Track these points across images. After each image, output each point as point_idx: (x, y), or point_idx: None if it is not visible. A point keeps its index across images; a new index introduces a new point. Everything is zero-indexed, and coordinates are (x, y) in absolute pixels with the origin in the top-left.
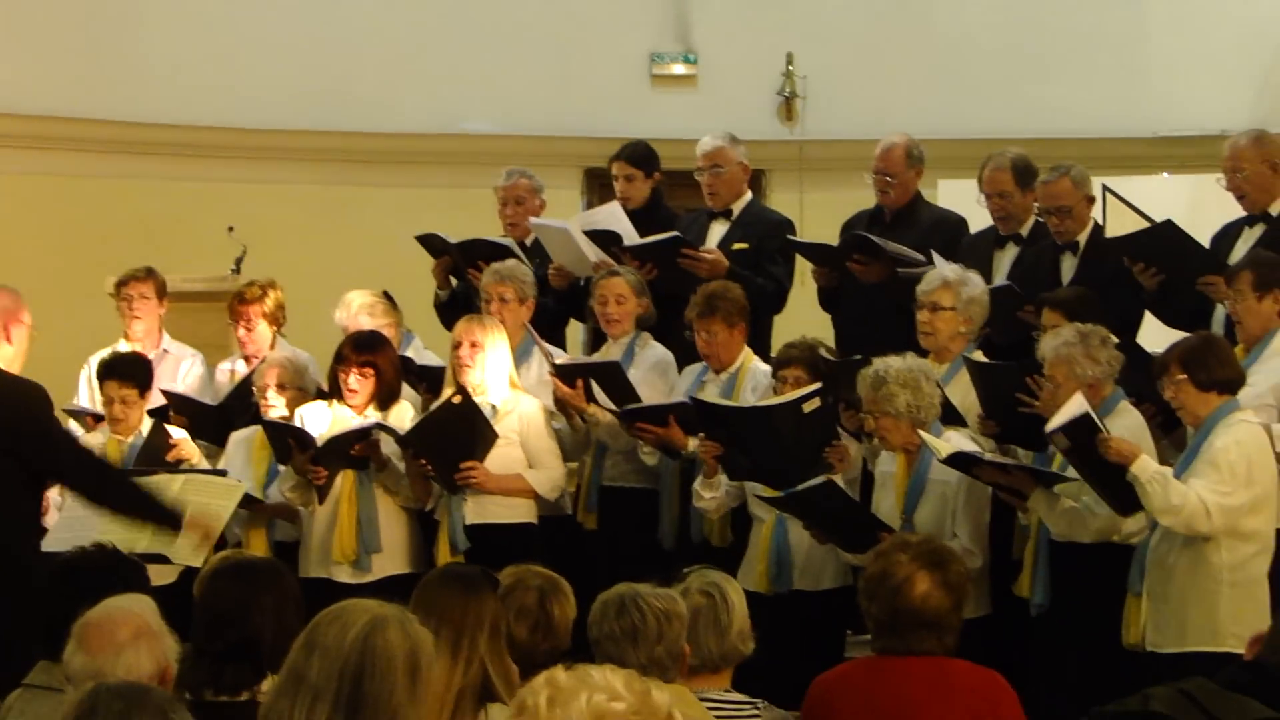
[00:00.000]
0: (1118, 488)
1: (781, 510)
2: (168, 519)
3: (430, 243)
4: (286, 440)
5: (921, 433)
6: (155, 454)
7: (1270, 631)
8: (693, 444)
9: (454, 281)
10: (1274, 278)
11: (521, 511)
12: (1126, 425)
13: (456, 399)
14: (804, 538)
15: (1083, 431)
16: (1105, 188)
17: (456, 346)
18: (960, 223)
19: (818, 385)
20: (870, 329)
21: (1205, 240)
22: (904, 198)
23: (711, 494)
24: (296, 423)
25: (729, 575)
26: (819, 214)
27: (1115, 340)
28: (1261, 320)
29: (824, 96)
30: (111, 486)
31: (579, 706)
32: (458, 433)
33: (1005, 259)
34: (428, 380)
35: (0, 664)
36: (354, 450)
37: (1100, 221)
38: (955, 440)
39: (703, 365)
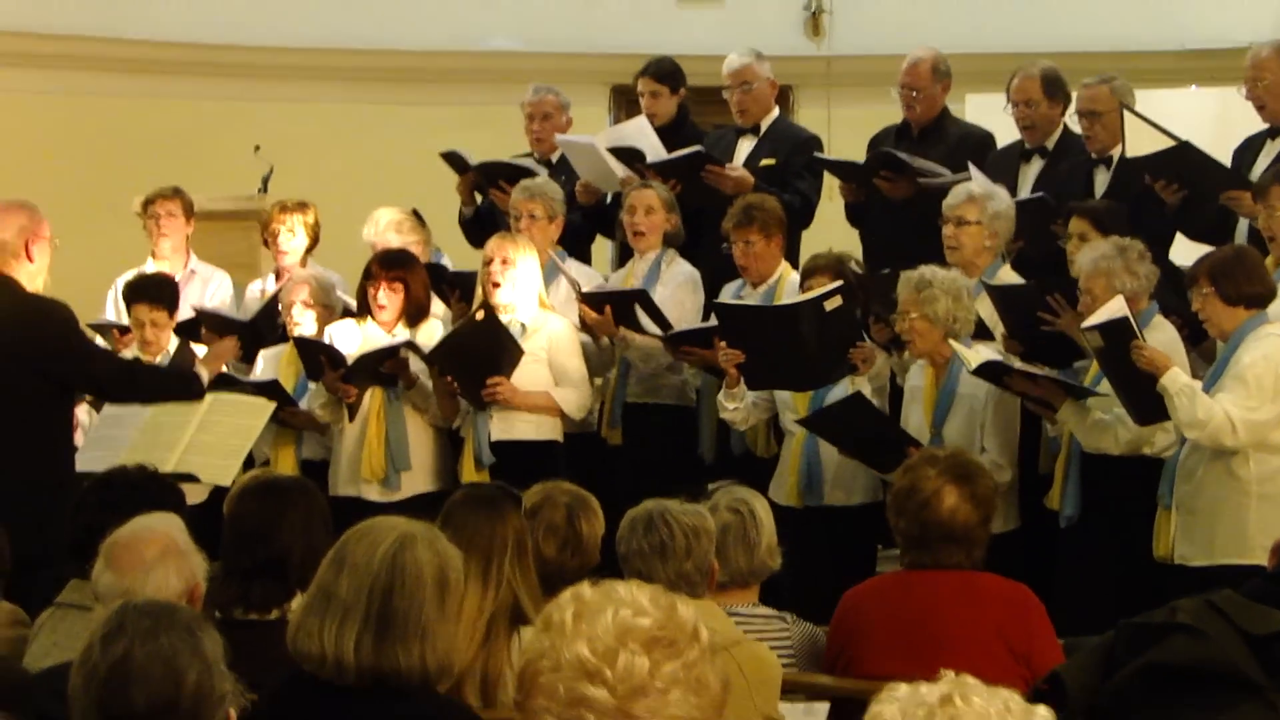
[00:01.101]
0: (1141, 396)
1: (810, 430)
2: (194, 389)
3: (454, 160)
4: (318, 357)
5: (953, 342)
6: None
7: None
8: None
9: (478, 198)
10: None
11: (547, 429)
12: (1160, 340)
13: (480, 315)
14: (834, 451)
15: (1118, 334)
16: (1124, 106)
17: (488, 263)
18: (987, 137)
19: (839, 283)
20: (897, 244)
21: (1229, 153)
22: (931, 112)
23: (735, 404)
24: (325, 340)
25: (756, 491)
26: (846, 130)
27: (1150, 256)
28: None
29: (851, 11)
30: (144, 380)
31: (604, 622)
32: (483, 349)
33: (1031, 172)
34: (461, 288)
35: (35, 581)
36: (383, 368)
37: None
38: (984, 353)
39: (739, 281)
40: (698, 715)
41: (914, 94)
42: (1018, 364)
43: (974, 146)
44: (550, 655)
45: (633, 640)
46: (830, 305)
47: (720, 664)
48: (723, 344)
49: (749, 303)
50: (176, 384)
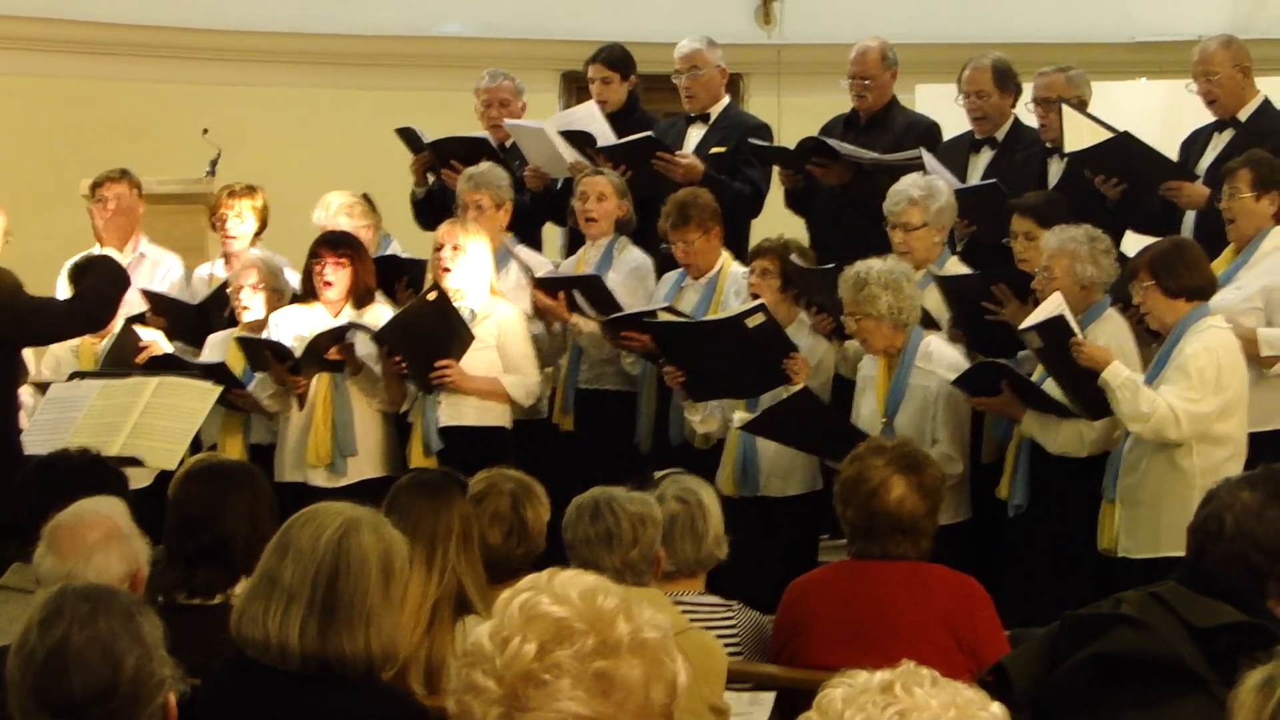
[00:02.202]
0: (1086, 392)
1: (755, 434)
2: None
3: (409, 137)
4: (263, 353)
5: (922, 346)
6: (125, 356)
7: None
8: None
9: (430, 179)
10: (1274, 178)
11: (495, 415)
12: (1110, 331)
13: (431, 295)
14: (771, 443)
15: (1056, 333)
16: (1062, 100)
17: (438, 248)
18: (933, 126)
19: (759, 302)
20: (841, 230)
21: (1178, 145)
22: (880, 101)
23: (698, 416)
24: (271, 327)
25: (704, 480)
26: (797, 118)
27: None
28: (1256, 220)
29: (802, 0)
30: (94, 307)
31: (512, 608)
32: (433, 330)
33: (980, 163)
34: (410, 274)
35: None
36: (329, 354)
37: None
38: (935, 344)
39: (678, 272)
40: (606, 713)
41: (864, 83)
42: (1005, 361)
43: (920, 135)
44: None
45: (534, 628)
46: (752, 322)
47: (660, 668)
48: (663, 360)
49: (695, 299)
50: (110, 287)
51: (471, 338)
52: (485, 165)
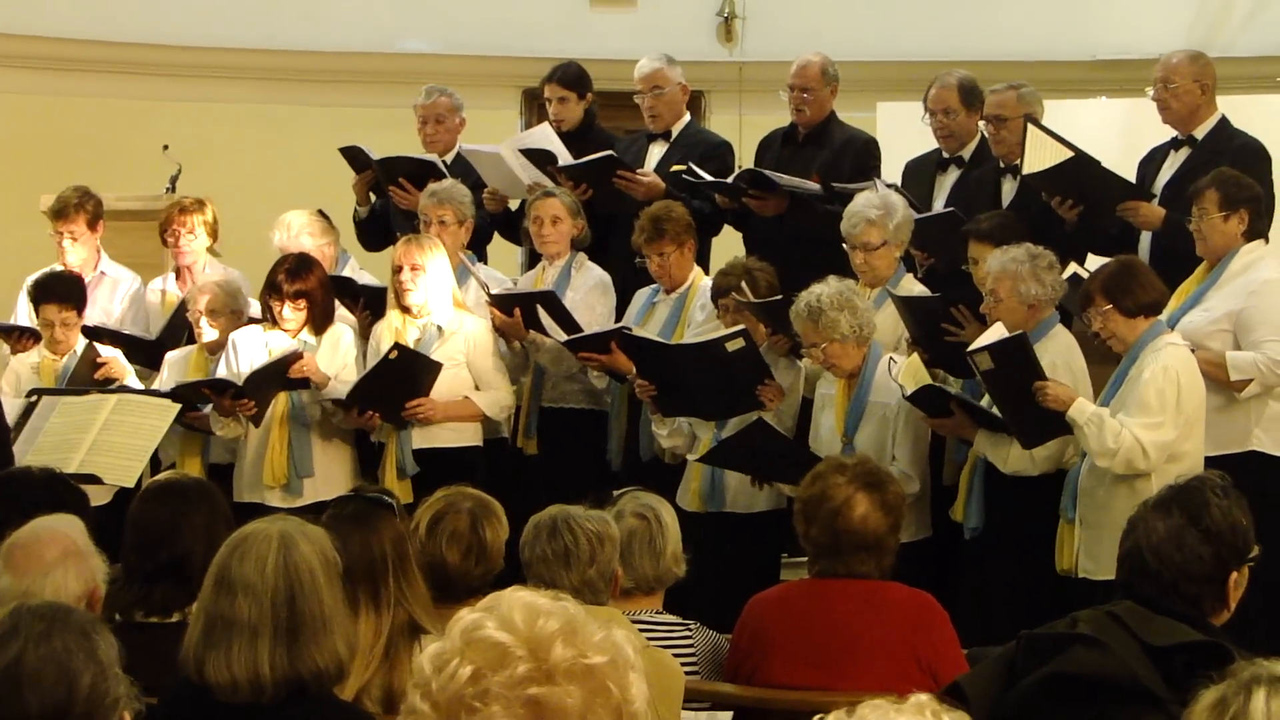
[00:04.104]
0: (1027, 419)
1: (712, 465)
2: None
3: (354, 156)
4: (200, 391)
5: (894, 372)
6: (87, 374)
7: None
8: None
9: (373, 198)
10: (1240, 197)
11: (467, 435)
12: (1057, 349)
13: (393, 355)
14: None
15: (1009, 355)
16: (1027, 118)
17: (397, 270)
18: (870, 142)
19: (740, 327)
20: (778, 249)
21: (1129, 165)
22: (819, 115)
23: (666, 431)
24: (229, 347)
25: (662, 498)
26: (758, 136)
27: (1060, 268)
28: (1225, 239)
29: (763, 18)
30: None
31: (454, 631)
32: (401, 379)
33: (947, 182)
34: (369, 301)
35: None
36: (291, 373)
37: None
38: (900, 361)
39: (653, 288)
40: None
41: (804, 95)
42: (951, 381)
43: (858, 151)
44: None
45: (472, 651)
46: (732, 346)
47: (603, 695)
48: (635, 372)
49: (666, 314)
50: None
51: (439, 366)
52: (449, 182)
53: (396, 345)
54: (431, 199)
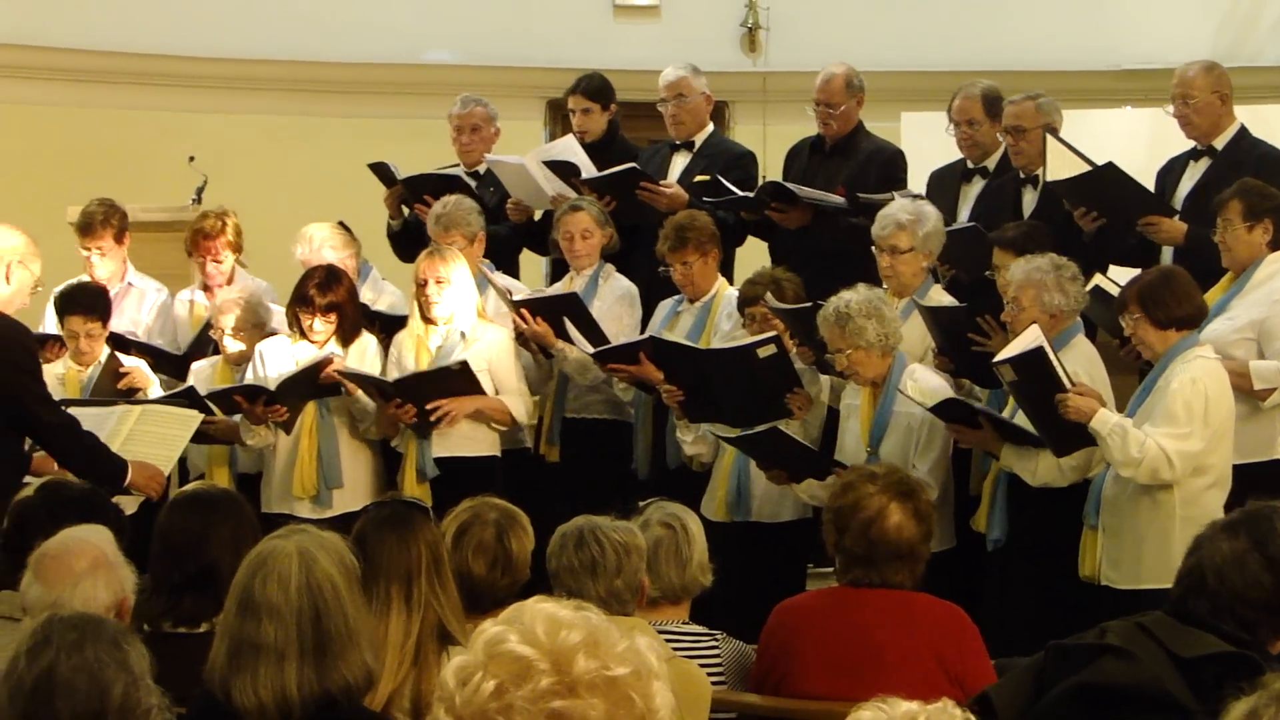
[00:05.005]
0: (1057, 428)
1: (737, 448)
2: (118, 479)
3: (381, 172)
4: (232, 399)
5: (906, 389)
6: (109, 385)
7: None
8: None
9: (405, 210)
10: (1264, 207)
11: (486, 444)
12: (1077, 359)
13: (457, 367)
14: None
15: (1032, 367)
16: (1047, 129)
17: (421, 285)
18: (897, 154)
19: (773, 333)
20: (801, 258)
21: (1154, 174)
22: (846, 128)
23: (690, 437)
24: (256, 359)
25: (688, 507)
26: (782, 146)
27: (1083, 279)
28: (1250, 250)
29: (787, 28)
30: (82, 443)
31: (478, 643)
32: (442, 390)
33: (972, 192)
34: (384, 325)
35: None
36: (322, 378)
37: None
38: (920, 373)
39: (676, 298)
40: None
41: (829, 110)
42: (976, 403)
43: (884, 163)
44: None
45: (495, 665)
46: (764, 353)
47: (627, 706)
48: (663, 380)
49: (690, 323)
50: (105, 465)
51: (481, 390)
52: (451, 202)
53: (464, 363)
54: (437, 226)
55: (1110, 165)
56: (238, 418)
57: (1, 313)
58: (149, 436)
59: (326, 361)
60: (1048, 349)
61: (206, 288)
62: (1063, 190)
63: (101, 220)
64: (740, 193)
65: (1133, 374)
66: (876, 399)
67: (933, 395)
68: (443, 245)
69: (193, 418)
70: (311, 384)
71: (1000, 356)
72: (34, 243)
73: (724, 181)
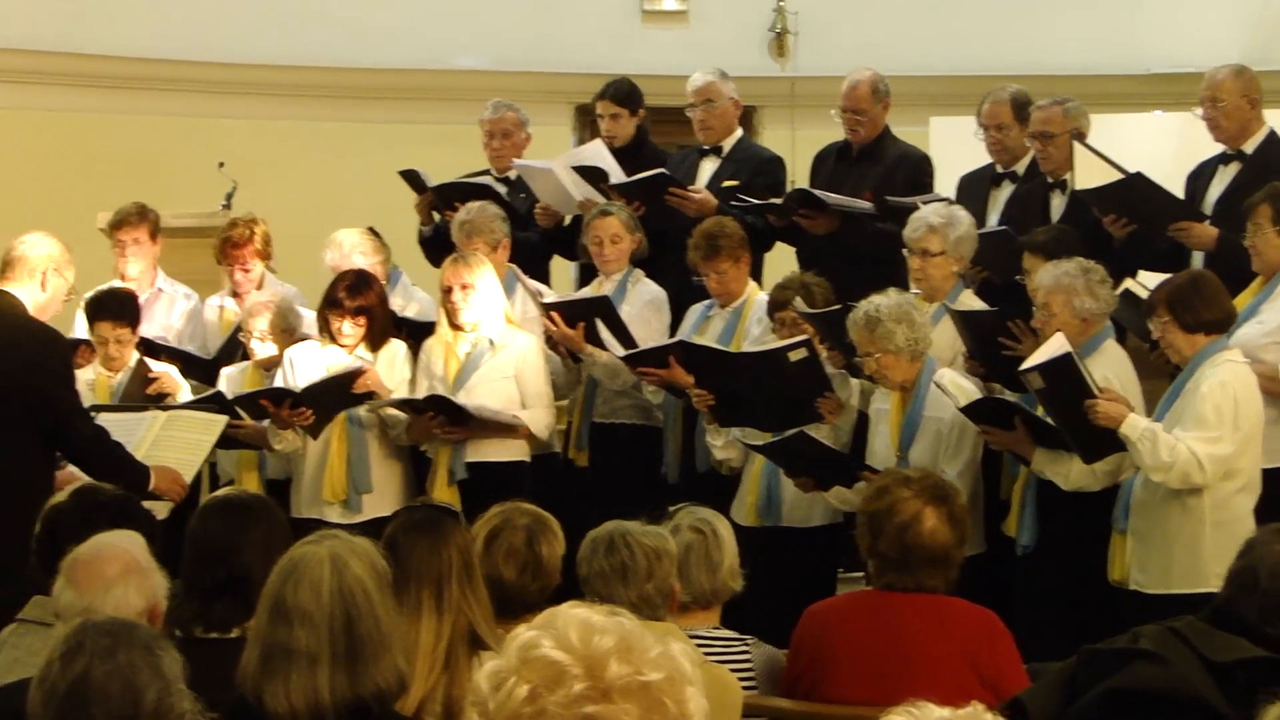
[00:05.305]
0: (1086, 434)
1: (763, 455)
2: (137, 490)
3: (412, 179)
4: (258, 403)
5: (943, 382)
6: (138, 391)
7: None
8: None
9: (436, 217)
10: None
11: (514, 450)
12: (1108, 363)
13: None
14: None
15: (1059, 374)
16: (1074, 136)
17: (447, 291)
18: (924, 159)
19: (804, 337)
20: (829, 261)
21: (1183, 178)
22: (873, 133)
23: (720, 441)
24: (286, 364)
25: (718, 512)
26: (810, 151)
27: (1111, 282)
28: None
29: (815, 33)
30: (108, 453)
31: (511, 647)
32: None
33: (1001, 197)
34: (412, 332)
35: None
36: (355, 388)
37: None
38: (949, 377)
39: (707, 303)
40: None
41: (856, 117)
42: (1009, 396)
43: (911, 168)
44: None
45: (528, 670)
46: (795, 356)
47: (660, 711)
48: (693, 384)
49: (720, 328)
50: (130, 473)
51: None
52: (475, 209)
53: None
54: (461, 232)
55: (1139, 175)
56: (266, 423)
57: (39, 321)
58: (175, 441)
59: (357, 373)
60: (1074, 355)
61: (236, 294)
62: (1091, 198)
63: (137, 215)
64: (767, 201)
65: (1164, 378)
66: (906, 404)
67: (967, 395)
68: (468, 252)
69: (218, 422)
70: (343, 394)
71: (1027, 364)
72: (68, 250)
73: (746, 198)
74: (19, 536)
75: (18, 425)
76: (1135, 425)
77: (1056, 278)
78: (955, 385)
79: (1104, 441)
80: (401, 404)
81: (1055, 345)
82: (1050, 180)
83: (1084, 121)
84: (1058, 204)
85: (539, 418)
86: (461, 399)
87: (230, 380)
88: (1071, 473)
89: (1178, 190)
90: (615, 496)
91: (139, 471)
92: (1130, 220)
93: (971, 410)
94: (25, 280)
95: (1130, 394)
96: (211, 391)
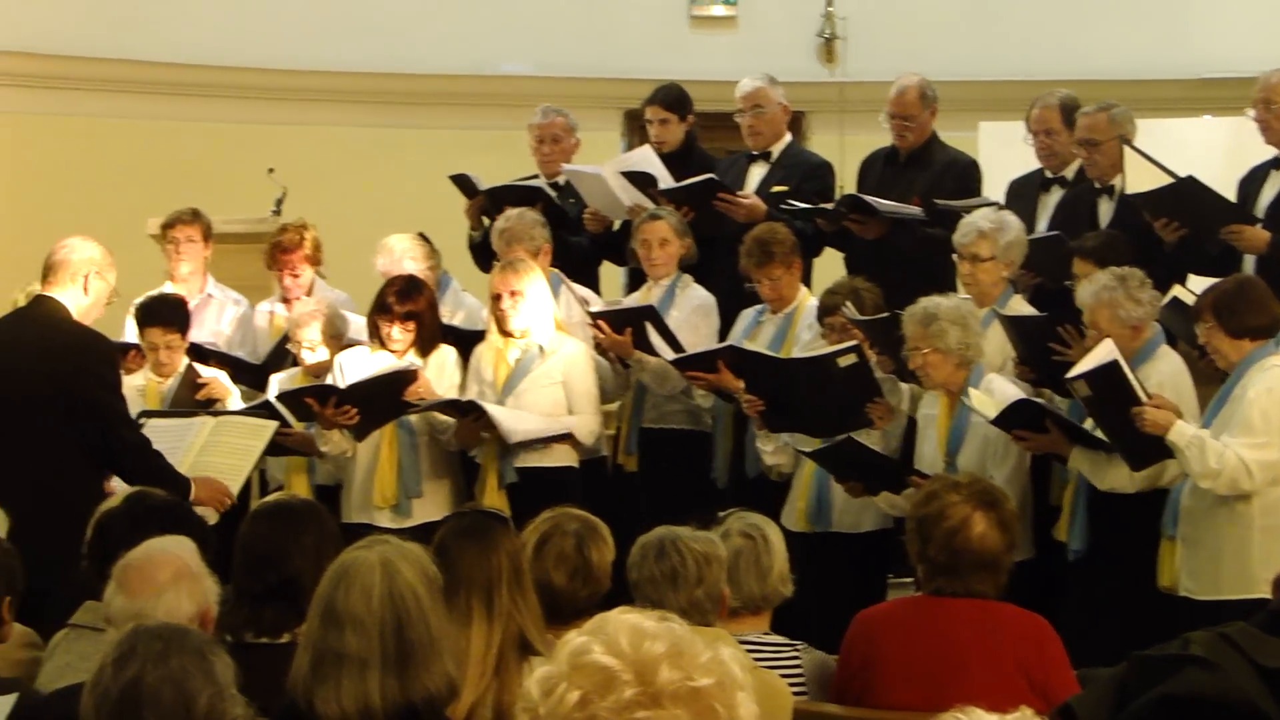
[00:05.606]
0: (1134, 442)
1: (813, 461)
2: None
3: (463, 183)
4: (302, 402)
5: (972, 393)
6: (188, 396)
7: None
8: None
9: (486, 221)
10: None
11: (563, 455)
12: (1165, 370)
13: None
14: None
15: (1105, 381)
16: (1123, 140)
17: (496, 299)
18: (972, 165)
19: (854, 342)
20: (879, 267)
21: (1233, 184)
22: (920, 139)
23: (771, 447)
24: (336, 369)
25: (768, 517)
26: (859, 156)
27: (1150, 281)
28: None
29: (864, 38)
30: (151, 463)
31: (562, 653)
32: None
33: (1050, 202)
34: (457, 339)
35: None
36: (406, 395)
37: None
38: (998, 384)
39: (758, 308)
40: None
41: (905, 123)
42: (1059, 401)
43: (959, 173)
44: None
45: (579, 676)
46: (844, 362)
47: (711, 717)
48: (743, 389)
49: (772, 333)
50: (169, 484)
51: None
52: (513, 215)
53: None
54: (501, 240)
55: (1190, 178)
56: (313, 429)
57: (86, 326)
58: (224, 447)
59: (407, 374)
60: (1121, 362)
61: (286, 300)
62: (1142, 203)
63: (190, 215)
64: (817, 206)
65: (1216, 384)
66: (954, 409)
67: (996, 405)
68: (515, 259)
69: (267, 428)
70: (391, 401)
71: (1073, 372)
72: (110, 253)
73: (796, 204)
74: (67, 543)
75: (63, 431)
76: (1183, 432)
77: (1096, 294)
78: (981, 400)
79: (1152, 449)
80: (445, 405)
81: (1101, 353)
82: (1098, 185)
83: (1130, 127)
84: (1106, 209)
85: (585, 424)
86: (510, 404)
87: (280, 386)
88: (1108, 473)
89: (1230, 195)
90: (665, 502)
91: (180, 484)
92: (1181, 224)
93: (1003, 420)
94: (67, 284)
95: (1185, 399)
96: (260, 401)
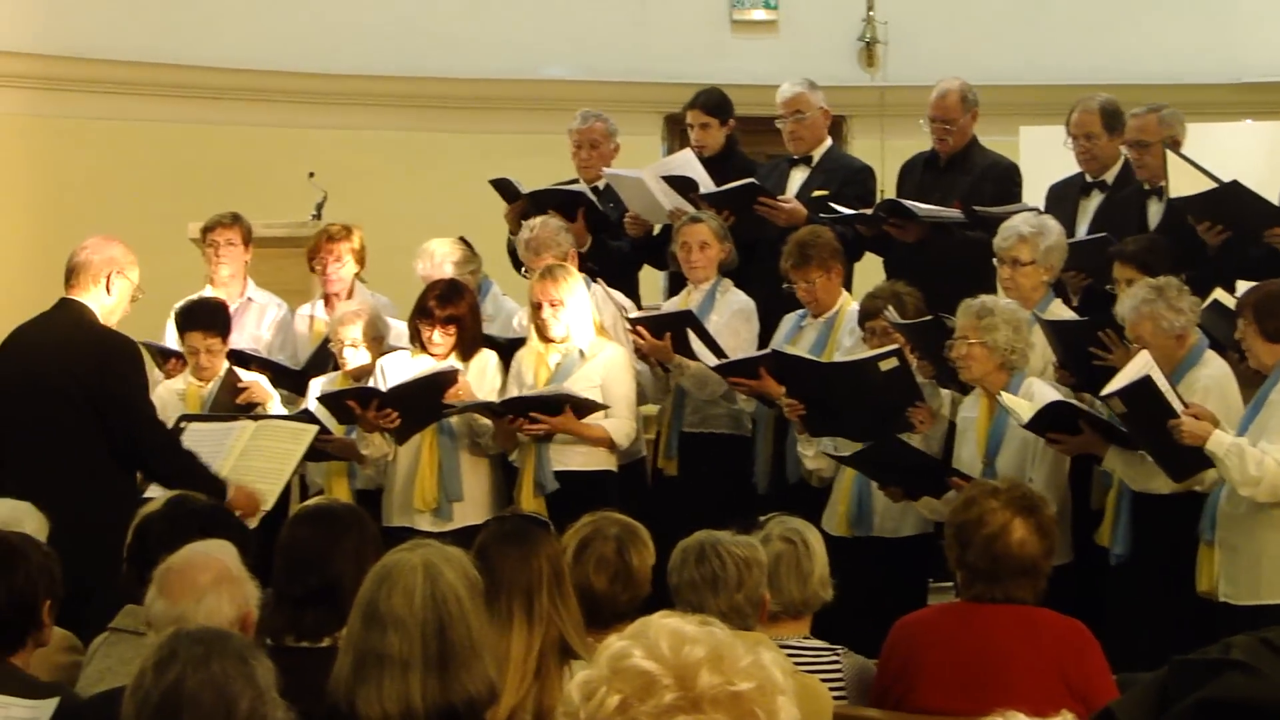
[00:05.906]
0: (1173, 454)
1: (853, 468)
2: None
3: (504, 188)
4: (344, 404)
5: (1005, 396)
6: (228, 400)
7: None
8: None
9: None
10: None
11: (600, 459)
12: (1211, 375)
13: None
14: None
15: (1140, 396)
16: (1168, 143)
17: (537, 307)
18: (1012, 168)
19: (895, 346)
20: (917, 270)
21: (1277, 187)
22: (961, 143)
23: (811, 452)
24: (377, 372)
25: (808, 522)
26: (900, 160)
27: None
28: None
29: (905, 42)
30: (185, 464)
31: (602, 657)
32: (552, 410)
33: (1091, 206)
34: (498, 350)
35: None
36: (446, 397)
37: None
38: (1038, 387)
39: (800, 313)
40: None
41: (945, 126)
42: (1077, 402)
43: (999, 177)
44: None
45: (619, 680)
46: (885, 366)
47: None
48: (784, 394)
49: (813, 338)
50: (202, 486)
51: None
52: (538, 224)
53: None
54: (528, 250)
55: (1234, 183)
56: (353, 434)
57: (109, 328)
58: (264, 451)
59: (447, 375)
60: (1155, 377)
61: (326, 299)
62: (1186, 206)
63: (231, 218)
64: (857, 211)
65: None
66: (993, 412)
67: (1031, 408)
68: (554, 266)
69: (307, 431)
70: (435, 402)
71: (1108, 390)
72: (130, 250)
73: (838, 208)
74: (105, 546)
75: (94, 434)
76: (1221, 441)
77: (1136, 308)
78: (1015, 402)
79: (1192, 459)
80: (481, 407)
81: (1136, 368)
82: (1147, 187)
83: (1179, 129)
84: (1155, 211)
85: (620, 427)
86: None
87: (320, 389)
88: (1142, 474)
89: (1272, 199)
90: (705, 506)
91: (214, 484)
92: (1225, 227)
93: (1035, 424)
94: (90, 286)
95: (1231, 402)
96: (301, 408)
